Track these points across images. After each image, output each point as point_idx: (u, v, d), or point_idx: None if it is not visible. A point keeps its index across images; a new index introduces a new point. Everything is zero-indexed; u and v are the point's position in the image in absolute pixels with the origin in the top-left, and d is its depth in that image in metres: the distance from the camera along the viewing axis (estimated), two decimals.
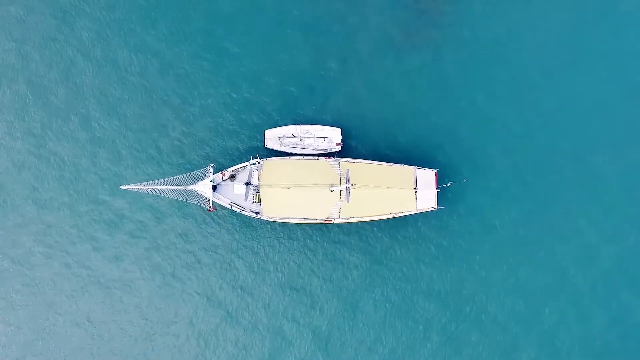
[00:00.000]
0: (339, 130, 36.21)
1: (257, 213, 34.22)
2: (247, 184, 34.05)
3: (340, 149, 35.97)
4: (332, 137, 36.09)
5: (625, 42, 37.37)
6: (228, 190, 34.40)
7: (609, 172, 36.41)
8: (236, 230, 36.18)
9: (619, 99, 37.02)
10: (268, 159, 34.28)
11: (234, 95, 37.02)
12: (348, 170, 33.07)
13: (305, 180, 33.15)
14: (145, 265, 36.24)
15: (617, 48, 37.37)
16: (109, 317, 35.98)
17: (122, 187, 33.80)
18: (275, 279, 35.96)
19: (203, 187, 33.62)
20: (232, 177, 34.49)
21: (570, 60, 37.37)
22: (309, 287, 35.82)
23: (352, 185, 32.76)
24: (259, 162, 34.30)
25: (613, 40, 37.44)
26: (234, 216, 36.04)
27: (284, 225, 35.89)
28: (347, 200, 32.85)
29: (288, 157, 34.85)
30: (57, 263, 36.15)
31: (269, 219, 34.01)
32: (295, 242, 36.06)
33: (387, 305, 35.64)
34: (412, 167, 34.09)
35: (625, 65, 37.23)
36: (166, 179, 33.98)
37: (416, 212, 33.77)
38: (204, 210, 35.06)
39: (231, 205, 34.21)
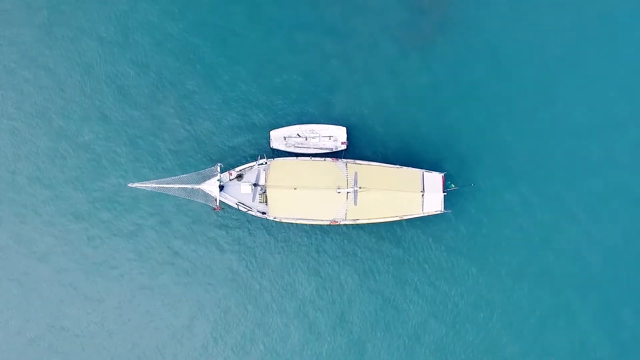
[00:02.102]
0: (344, 129, 36.28)
1: (263, 213, 34.37)
2: (255, 184, 34.18)
3: (345, 147, 36.08)
4: (337, 136, 36.17)
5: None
6: (235, 190, 34.47)
7: (620, 175, 36.55)
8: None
9: (628, 100, 37.03)
10: (275, 159, 34.35)
11: (240, 96, 36.99)
12: (356, 173, 33.22)
13: (312, 182, 33.27)
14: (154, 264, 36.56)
15: (623, 51, 37.44)
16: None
17: (130, 184, 33.90)
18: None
19: (210, 187, 33.70)
20: (239, 176, 34.58)
21: (578, 60, 37.26)
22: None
23: (360, 188, 32.92)
24: (266, 162, 34.38)
25: (618, 43, 37.42)
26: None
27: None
28: (355, 203, 33.04)
29: (295, 157, 34.93)
30: (53, 268, 36.47)
31: (275, 219, 34.17)
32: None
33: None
34: (419, 170, 34.22)
35: (632, 67, 37.29)
36: (174, 178, 34.04)
37: (423, 215, 34.01)
38: (211, 210, 35.14)
39: (238, 205, 34.34)
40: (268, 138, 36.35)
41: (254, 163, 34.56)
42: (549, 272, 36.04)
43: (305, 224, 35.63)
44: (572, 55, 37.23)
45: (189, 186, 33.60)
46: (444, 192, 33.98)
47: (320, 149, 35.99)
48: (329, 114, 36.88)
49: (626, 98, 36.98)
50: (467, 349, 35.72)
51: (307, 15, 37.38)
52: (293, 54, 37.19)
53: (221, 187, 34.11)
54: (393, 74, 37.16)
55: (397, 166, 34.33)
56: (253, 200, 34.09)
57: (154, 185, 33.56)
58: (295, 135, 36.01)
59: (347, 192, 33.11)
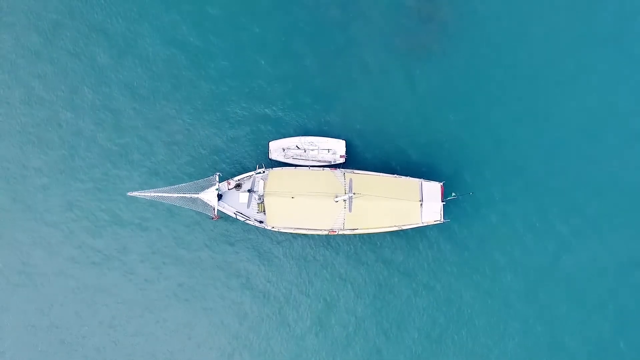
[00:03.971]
0: (344, 142, 36.43)
1: (261, 222, 34.34)
2: (250, 191, 34.26)
3: (344, 161, 36.15)
4: (336, 149, 36.32)
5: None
6: (233, 199, 34.56)
7: (622, 183, 36.23)
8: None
9: (631, 107, 36.95)
10: (273, 168, 34.51)
11: (241, 106, 37.31)
12: (351, 180, 33.26)
13: (310, 191, 33.27)
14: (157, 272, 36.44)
15: (629, 60, 37.49)
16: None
17: (129, 193, 34.06)
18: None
19: (208, 196, 33.81)
20: (238, 186, 34.70)
21: (579, 69, 37.19)
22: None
23: (354, 194, 32.85)
24: (264, 172, 34.52)
25: (622, 50, 37.44)
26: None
27: None
28: (350, 210, 32.93)
29: (293, 167, 35.06)
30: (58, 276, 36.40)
31: (273, 229, 34.07)
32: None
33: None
34: (417, 179, 34.16)
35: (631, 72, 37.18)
36: (173, 187, 34.23)
37: (421, 225, 33.78)
38: (209, 219, 35.15)
39: (236, 214, 34.36)
40: (267, 149, 36.60)
41: (252, 173, 34.73)
42: (549, 280, 35.72)
43: (304, 234, 35.45)
44: (573, 63, 37.23)
45: (188, 195, 33.72)
46: (443, 201, 33.82)
47: (319, 161, 36.11)
48: (328, 126, 37.05)
49: (630, 107, 36.91)
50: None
51: (308, 26, 37.78)
52: (292, 64, 37.55)
53: (219, 197, 34.23)
54: (393, 85, 37.31)
55: (396, 175, 34.35)
56: (248, 207, 34.16)
57: (153, 194, 33.73)
58: (294, 147, 36.23)
59: (344, 200, 33.04)
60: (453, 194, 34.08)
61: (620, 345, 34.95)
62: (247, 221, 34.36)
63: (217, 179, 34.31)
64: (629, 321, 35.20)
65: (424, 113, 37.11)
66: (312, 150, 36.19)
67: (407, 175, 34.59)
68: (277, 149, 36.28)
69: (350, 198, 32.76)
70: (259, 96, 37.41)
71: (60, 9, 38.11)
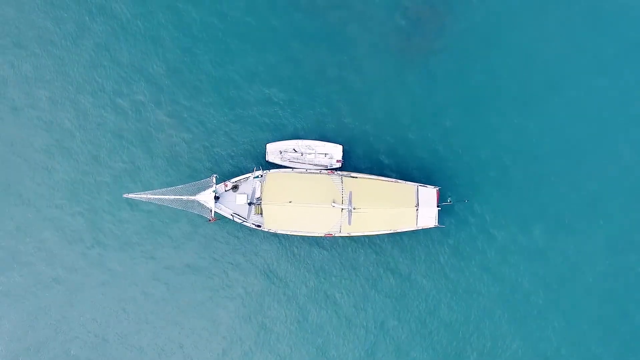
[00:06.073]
0: (340, 147, 36.53)
1: (258, 226, 34.37)
2: (250, 203, 34.29)
3: (340, 165, 36.24)
4: (333, 153, 36.39)
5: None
6: (230, 201, 34.52)
7: (624, 194, 36.50)
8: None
9: (629, 112, 36.96)
10: (271, 171, 34.51)
11: (239, 109, 37.24)
12: (350, 193, 33.53)
13: (307, 195, 33.45)
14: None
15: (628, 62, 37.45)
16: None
17: (125, 195, 33.79)
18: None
19: (205, 197, 33.71)
20: (235, 187, 34.65)
21: (576, 69, 37.09)
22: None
23: (354, 208, 33.16)
24: (261, 175, 34.50)
25: (620, 52, 37.34)
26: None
27: None
28: (349, 223, 33.36)
29: (291, 169, 35.10)
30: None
31: (270, 231, 34.12)
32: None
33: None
34: (414, 184, 34.41)
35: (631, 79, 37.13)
36: (169, 189, 34.03)
37: (417, 229, 34.12)
38: (206, 221, 35.04)
39: (233, 216, 34.34)
40: (264, 151, 36.60)
41: (249, 174, 34.70)
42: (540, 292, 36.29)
43: (301, 236, 35.67)
44: (572, 67, 37.09)
45: (184, 197, 33.57)
46: (438, 206, 34.17)
47: (316, 165, 36.11)
48: (326, 130, 37.06)
49: (629, 115, 36.95)
50: None
51: (304, 28, 37.60)
52: (289, 67, 37.46)
53: (216, 198, 34.16)
54: (390, 90, 37.34)
55: (393, 180, 34.56)
56: (248, 217, 34.30)
57: (149, 196, 33.51)
58: (291, 150, 36.26)
59: (342, 209, 33.36)
60: (449, 199, 34.48)
61: None
62: (244, 223, 34.36)
63: (214, 181, 34.18)
64: None
65: (420, 117, 37.17)
66: (309, 154, 36.25)
67: (403, 180, 34.78)
68: (274, 151, 36.29)
69: (350, 212, 33.08)
70: (257, 98, 37.30)
71: None
